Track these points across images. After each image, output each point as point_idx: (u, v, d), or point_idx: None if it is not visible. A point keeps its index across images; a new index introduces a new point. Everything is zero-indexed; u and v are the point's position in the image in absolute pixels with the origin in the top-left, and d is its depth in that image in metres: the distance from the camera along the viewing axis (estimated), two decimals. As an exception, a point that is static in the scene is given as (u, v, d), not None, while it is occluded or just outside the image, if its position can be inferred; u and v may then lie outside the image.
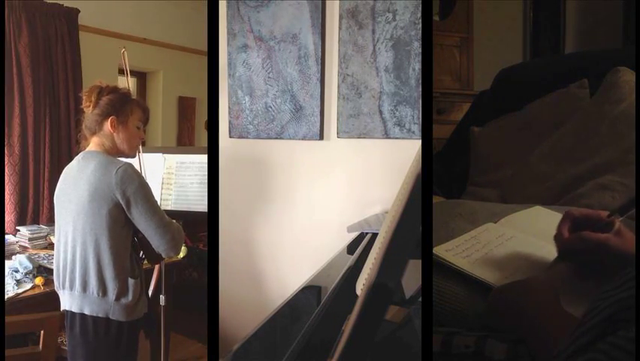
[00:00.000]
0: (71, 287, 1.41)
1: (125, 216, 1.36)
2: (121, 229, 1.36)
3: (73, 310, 1.41)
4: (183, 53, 3.60)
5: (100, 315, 1.37)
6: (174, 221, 1.44)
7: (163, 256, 1.44)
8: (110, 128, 1.43)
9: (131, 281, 1.39)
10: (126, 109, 1.46)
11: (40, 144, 2.61)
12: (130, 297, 1.38)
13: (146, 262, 1.50)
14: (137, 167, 1.45)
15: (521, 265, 0.96)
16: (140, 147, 1.64)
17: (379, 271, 0.50)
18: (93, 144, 1.44)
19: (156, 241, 1.39)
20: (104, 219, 1.33)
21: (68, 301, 1.43)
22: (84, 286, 1.38)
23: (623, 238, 0.85)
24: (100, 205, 1.33)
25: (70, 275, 1.41)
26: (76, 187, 1.38)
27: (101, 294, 1.36)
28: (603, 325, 0.50)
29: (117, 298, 1.36)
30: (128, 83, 1.68)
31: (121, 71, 3.12)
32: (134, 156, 1.53)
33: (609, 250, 0.84)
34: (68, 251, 1.41)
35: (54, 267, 1.49)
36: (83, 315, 1.39)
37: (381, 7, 2.06)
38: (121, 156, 1.46)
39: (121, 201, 1.33)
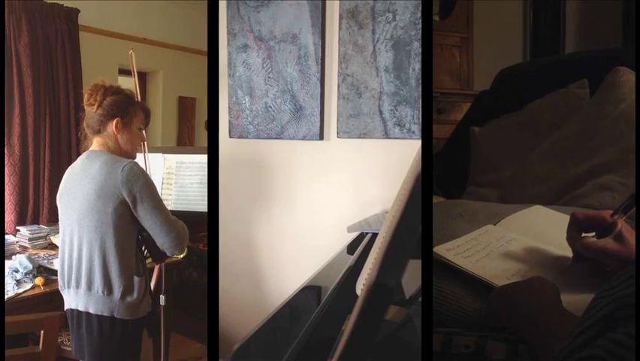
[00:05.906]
0: (77, 286, 1.41)
1: (130, 213, 1.36)
2: (126, 226, 1.37)
3: (78, 308, 1.41)
4: (183, 53, 3.60)
5: (105, 314, 1.37)
6: (179, 220, 1.45)
7: (168, 254, 1.44)
8: (114, 129, 1.43)
9: (136, 279, 1.39)
10: (130, 111, 1.46)
11: (40, 144, 2.61)
12: (135, 295, 1.39)
13: (149, 261, 1.50)
14: (142, 166, 1.45)
15: (522, 266, 0.96)
16: (145, 146, 1.64)
17: (379, 271, 0.50)
18: (97, 144, 1.44)
19: (161, 239, 1.39)
20: (109, 217, 1.34)
21: (74, 300, 1.43)
22: (89, 285, 1.38)
23: (622, 242, 0.86)
24: (106, 203, 1.33)
25: (76, 274, 1.41)
26: (81, 186, 1.38)
27: (106, 292, 1.37)
28: (603, 322, 0.50)
29: (122, 297, 1.37)
30: (135, 84, 1.67)
31: (121, 71, 3.12)
32: (134, 157, 1.53)
33: (608, 255, 0.86)
34: (74, 250, 1.41)
35: (58, 266, 1.49)
36: (88, 314, 1.39)
37: (381, 7, 2.06)
38: (124, 156, 1.46)
39: (127, 198, 1.33)
